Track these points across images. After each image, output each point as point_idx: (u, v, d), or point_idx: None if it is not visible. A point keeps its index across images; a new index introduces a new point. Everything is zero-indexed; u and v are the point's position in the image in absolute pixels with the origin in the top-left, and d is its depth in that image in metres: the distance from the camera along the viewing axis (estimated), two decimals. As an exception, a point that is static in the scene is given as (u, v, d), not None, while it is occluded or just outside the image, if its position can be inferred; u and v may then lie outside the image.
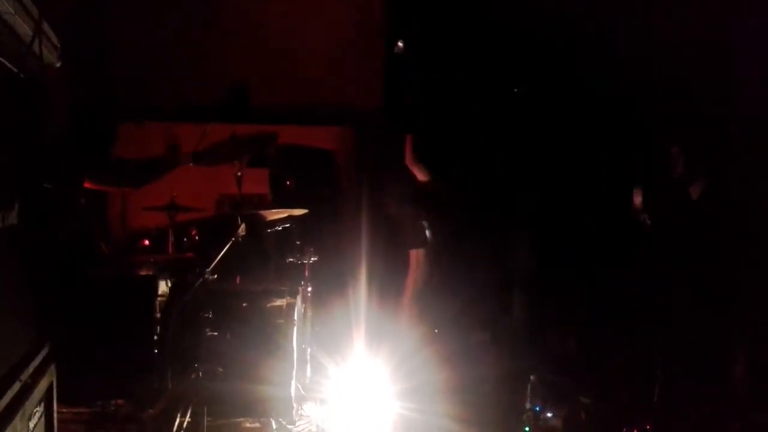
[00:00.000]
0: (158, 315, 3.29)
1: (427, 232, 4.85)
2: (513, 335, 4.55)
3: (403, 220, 4.90)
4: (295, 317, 3.44)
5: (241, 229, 3.49)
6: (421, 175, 4.80)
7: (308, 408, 3.72)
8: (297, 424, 3.51)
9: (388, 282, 5.00)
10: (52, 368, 2.31)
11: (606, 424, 3.80)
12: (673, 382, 3.88)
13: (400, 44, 4.55)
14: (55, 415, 2.32)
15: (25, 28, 1.98)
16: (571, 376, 4.11)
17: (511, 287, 4.82)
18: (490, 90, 5.00)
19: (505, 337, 4.62)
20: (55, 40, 2.33)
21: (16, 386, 1.92)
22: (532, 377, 3.81)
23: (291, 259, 4.04)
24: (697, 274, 3.89)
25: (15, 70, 2.02)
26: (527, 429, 3.70)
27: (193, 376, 3.17)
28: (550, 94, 4.81)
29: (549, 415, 3.74)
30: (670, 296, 4.04)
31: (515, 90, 4.51)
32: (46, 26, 2.11)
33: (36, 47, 2.04)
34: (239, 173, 4.03)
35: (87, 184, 3.54)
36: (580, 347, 4.48)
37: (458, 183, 4.90)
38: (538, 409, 3.75)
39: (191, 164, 3.93)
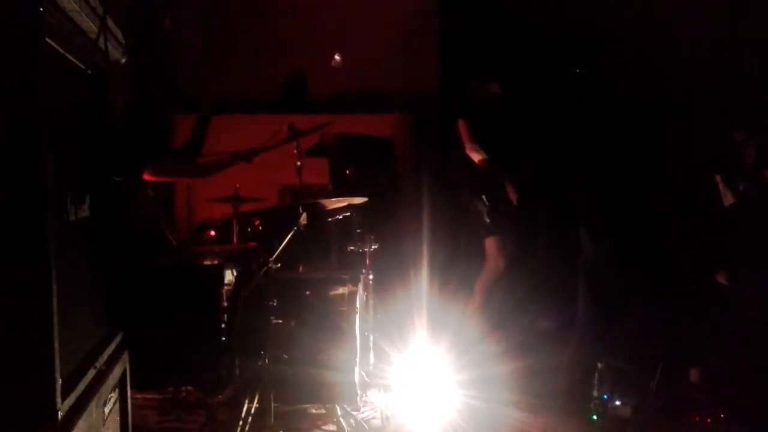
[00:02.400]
0: (225, 303, 3.36)
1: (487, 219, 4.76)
2: (579, 322, 4.44)
3: (476, 209, 4.81)
4: (357, 305, 3.46)
5: (303, 219, 3.52)
6: (477, 159, 4.68)
7: (372, 395, 3.74)
8: (362, 410, 3.53)
9: (451, 269, 4.96)
10: (125, 355, 2.38)
11: (678, 413, 3.68)
12: (748, 369, 3.72)
13: None
14: (129, 400, 2.40)
15: (90, 25, 2.03)
16: (640, 363, 3.99)
17: (577, 272, 4.70)
18: (549, 69, 4.87)
19: (571, 324, 4.51)
20: (119, 36, 2.38)
21: (91, 373, 1.99)
22: (600, 365, 3.72)
23: (352, 248, 4.05)
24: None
25: (82, 66, 2.08)
26: (595, 417, 3.62)
27: (259, 362, 3.23)
28: (610, 79, 4.65)
29: (618, 403, 3.65)
30: (748, 285, 3.87)
31: (577, 71, 4.36)
32: (110, 23, 2.16)
33: (101, 44, 2.09)
34: (299, 163, 4.07)
35: (147, 176, 3.62)
36: (650, 334, 4.35)
37: (518, 165, 4.75)
38: (606, 397, 3.65)
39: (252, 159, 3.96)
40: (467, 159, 4.70)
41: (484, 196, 4.68)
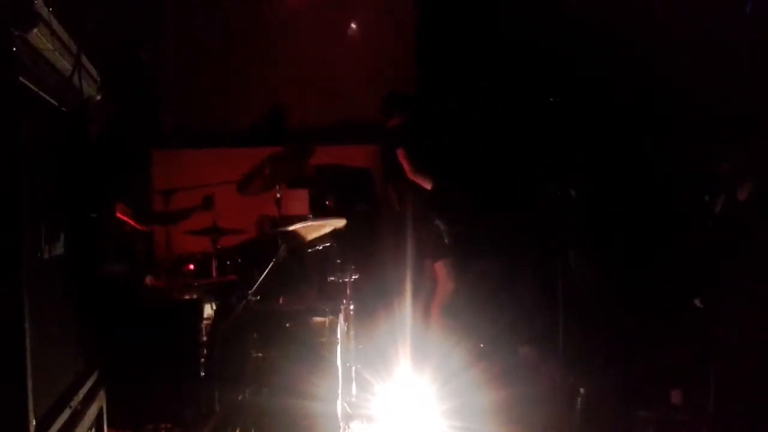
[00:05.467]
0: (204, 338, 3.33)
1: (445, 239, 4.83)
2: (561, 349, 4.45)
3: (423, 231, 4.89)
4: (338, 335, 3.44)
5: (282, 250, 3.51)
6: (426, 185, 4.77)
7: (355, 426, 3.70)
8: (344, 443, 3.49)
9: (431, 297, 4.97)
10: (102, 394, 2.36)
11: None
12: (728, 387, 3.74)
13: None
14: (106, 439, 2.37)
15: (64, 64, 2.04)
16: (622, 387, 4.00)
17: (558, 299, 4.72)
18: (523, 99, 4.96)
19: (554, 351, 4.52)
20: (94, 73, 2.39)
21: (66, 413, 1.96)
22: (581, 390, 3.72)
23: (332, 278, 4.04)
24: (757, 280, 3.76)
25: (56, 104, 2.09)
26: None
27: (240, 396, 3.20)
28: (590, 96, 4.72)
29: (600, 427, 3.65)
30: (725, 306, 3.91)
31: (551, 99, 4.43)
32: (85, 60, 2.18)
33: (76, 81, 2.10)
34: (278, 195, 4.07)
35: (119, 214, 3.66)
36: (631, 359, 4.37)
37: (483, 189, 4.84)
38: (587, 421, 3.65)
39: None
40: (414, 184, 4.80)
41: (433, 221, 4.78)
